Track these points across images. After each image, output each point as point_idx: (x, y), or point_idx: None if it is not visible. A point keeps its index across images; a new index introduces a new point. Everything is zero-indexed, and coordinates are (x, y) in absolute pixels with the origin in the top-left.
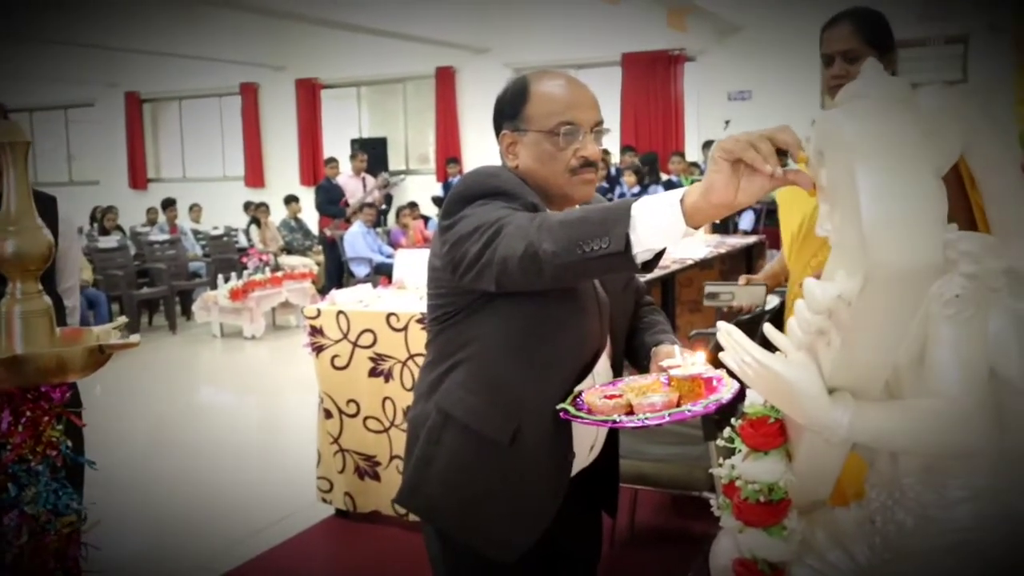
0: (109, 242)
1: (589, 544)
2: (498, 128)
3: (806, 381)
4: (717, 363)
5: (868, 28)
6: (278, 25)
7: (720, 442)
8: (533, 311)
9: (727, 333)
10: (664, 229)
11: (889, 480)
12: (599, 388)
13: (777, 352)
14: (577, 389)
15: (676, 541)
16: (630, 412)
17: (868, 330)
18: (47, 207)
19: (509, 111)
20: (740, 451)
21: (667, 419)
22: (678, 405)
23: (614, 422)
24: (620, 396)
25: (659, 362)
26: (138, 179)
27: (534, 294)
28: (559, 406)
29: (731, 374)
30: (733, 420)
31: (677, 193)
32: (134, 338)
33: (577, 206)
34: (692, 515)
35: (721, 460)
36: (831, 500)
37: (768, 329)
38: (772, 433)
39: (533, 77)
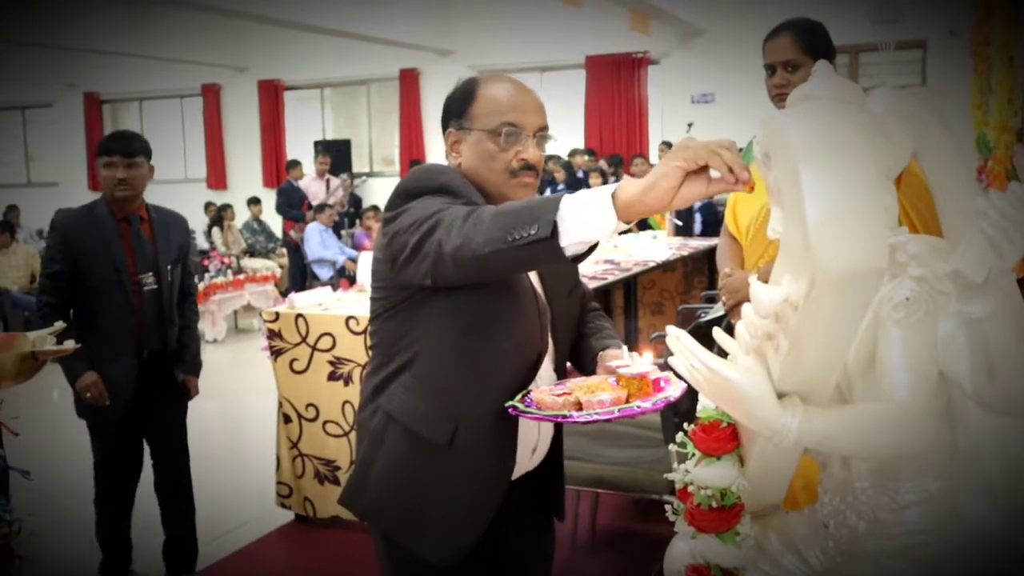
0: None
1: (539, 547)
2: (445, 126)
3: (754, 386)
4: (667, 367)
5: (807, 38)
6: (240, 26)
7: (671, 447)
8: (471, 310)
9: (676, 338)
10: (594, 222)
11: (841, 484)
12: (547, 388)
13: (728, 357)
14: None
15: (638, 545)
16: (579, 409)
17: (815, 333)
18: None
19: (456, 109)
20: (693, 456)
21: (616, 414)
22: (627, 402)
23: (563, 417)
24: (569, 394)
25: (606, 364)
26: (98, 181)
27: (472, 294)
28: (508, 403)
29: (680, 377)
30: (686, 425)
31: (610, 187)
32: (68, 344)
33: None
34: (654, 519)
35: (675, 464)
36: (784, 504)
37: (717, 333)
38: (724, 438)
39: (481, 79)
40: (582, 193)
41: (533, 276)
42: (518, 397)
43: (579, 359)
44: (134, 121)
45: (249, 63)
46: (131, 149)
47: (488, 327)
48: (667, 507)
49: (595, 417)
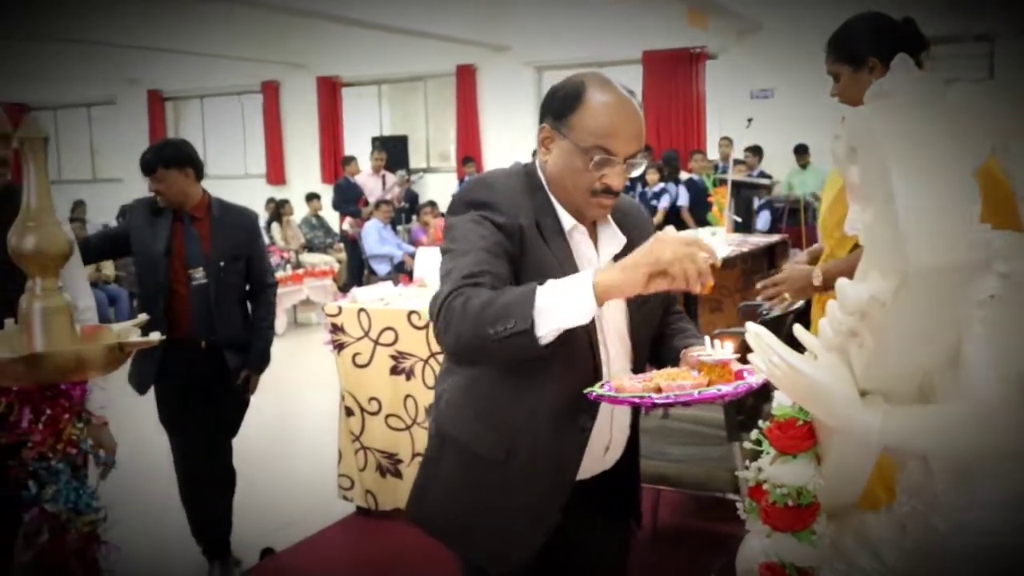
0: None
1: (614, 551)
2: (543, 117)
3: (837, 383)
4: (745, 361)
5: (839, 48)
6: (300, 23)
7: (746, 444)
8: None
9: (755, 335)
10: (573, 309)
11: (920, 483)
12: (628, 376)
13: (805, 353)
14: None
15: (698, 542)
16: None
17: (902, 330)
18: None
19: (557, 109)
20: (767, 454)
21: (696, 396)
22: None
23: (641, 399)
24: (649, 380)
25: (688, 357)
26: None
27: None
28: (587, 389)
29: None
30: (760, 422)
31: (587, 276)
32: (154, 336)
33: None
34: (713, 516)
35: (747, 462)
36: (861, 503)
37: (798, 330)
38: (801, 436)
39: (591, 84)
40: (557, 284)
41: None
42: (597, 385)
43: (662, 361)
44: (195, 118)
45: (308, 60)
46: (148, 168)
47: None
48: (738, 505)
49: (673, 399)
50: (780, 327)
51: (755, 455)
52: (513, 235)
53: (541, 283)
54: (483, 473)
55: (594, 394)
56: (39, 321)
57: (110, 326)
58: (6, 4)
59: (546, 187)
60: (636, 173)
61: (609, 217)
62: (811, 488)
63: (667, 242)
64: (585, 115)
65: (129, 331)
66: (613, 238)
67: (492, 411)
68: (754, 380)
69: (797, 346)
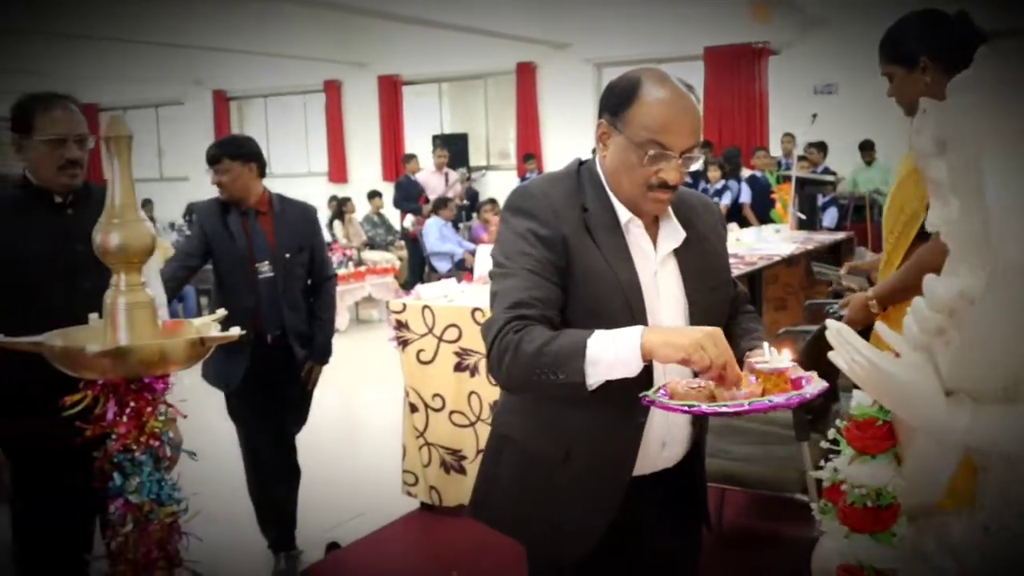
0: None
1: (680, 549)
2: (601, 112)
3: (922, 382)
4: (805, 365)
5: (890, 50)
6: (361, 23)
7: (822, 444)
8: (576, 324)
9: (836, 331)
10: (621, 366)
11: (1005, 486)
12: (685, 380)
13: (886, 351)
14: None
15: (763, 544)
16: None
17: (992, 329)
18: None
19: (613, 105)
20: (845, 453)
21: (747, 407)
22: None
23: (690, 407)
24: (704, 387)
25: (749, 362)
26: None
27: (579, 311)
28: (642, 393)
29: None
30: (838, 421)
31: (635, 335)
32: (234, 331)
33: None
34: (780, 517)
35: (823, 461)
36: (941, 505)
37: (880, 327)
38: (881, 436)
39: (645, 80)
40: (606, 338)
41: (673, 275)
42: (654, 389)
43: None
44: (259, 117)
45: (369, 59)
46: (213, 159)
47: None
48: (812, 505)
49: (723, 409)
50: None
51: (825, 454)
52: (556, 246)
53: (590, 332)
54: (541, 472)
55: (647, 398)
56: (124, 316)
57: (190, 321)
58: (81, 6)
59: (604, 182)
60: (694, 168)
61: (671, 212)
62: (891, 489)
63: (706, 349)
64: (640, 110)
65: (209, 326)
66: (673, 233)
67: (549, 414)
68: (809, 391)
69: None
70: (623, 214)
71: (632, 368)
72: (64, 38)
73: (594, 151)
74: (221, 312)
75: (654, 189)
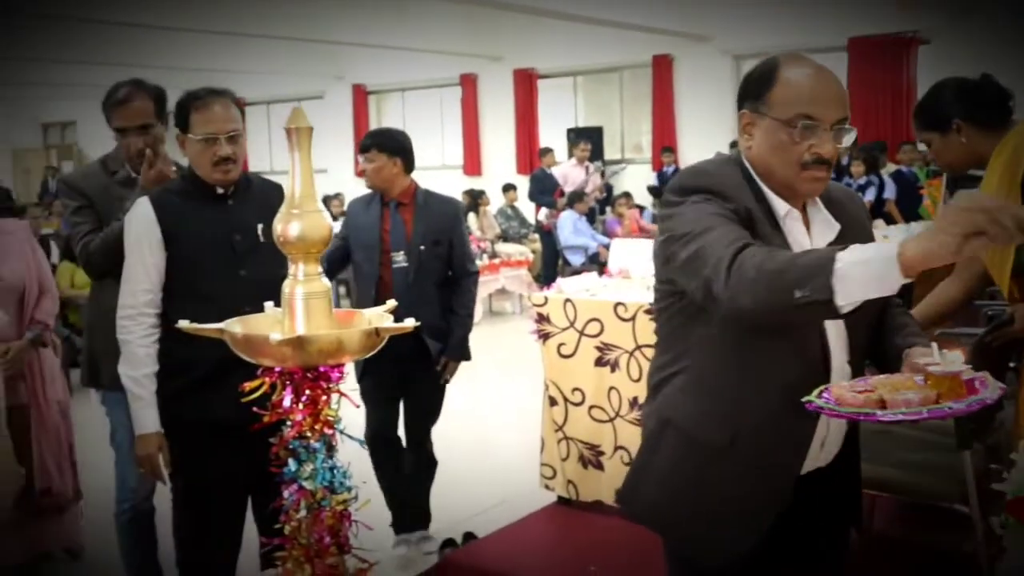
0: (335, 228)
1: (829, 555)
2: (740, 105)
3: None
4: (976, 366)
5: (924, 118)
6: (497, 16)
7: (1013, 455)
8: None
9: None
10: (877, 281)
11: None
12: (847, 384)
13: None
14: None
15: (915, 555)
16: (883, 408)
17: None
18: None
19: (753, 91)
20: None
21: (925, 415)
22: (936, 403)
23: (866, 415)
24: (872, 391)
25: (913, 361)
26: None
27: None
28: (805, 398)
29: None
30: None
31: (891, 247)
32: (409, 322)
33: (780, 252)
34: (930, 526)
35: (1005, 473)
36: None
37: None
38: None
39: (783, 61)
40: (858, 251)
41: None
42: (815, 392)
43: (881, 357)
44: (396, 111)
45: (505, 52)
46: (363, 147)
47: (764, 336)
48: (994, 520)
49: (901, 417)
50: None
51: (987, 464)
52: (743, 218)
53: (839, 248)
54: (703, 462)
55: (813, 404)
56: (302, 305)
57: (361, 311)
58: (229, 5)
59: (754, 175)
60: (847, 142)
61: (820, 204)
62: None
63: (976, 203)
64: (783, 87)
65: (381, 316)
66: (826, 225)
67: (720, 392)
68: (988, 395)
69: None
70: (780, 206)
71: (889, 283)
72: (210, 35)
73: (732, 145)
74: (391, 303)
75: (809, 167)
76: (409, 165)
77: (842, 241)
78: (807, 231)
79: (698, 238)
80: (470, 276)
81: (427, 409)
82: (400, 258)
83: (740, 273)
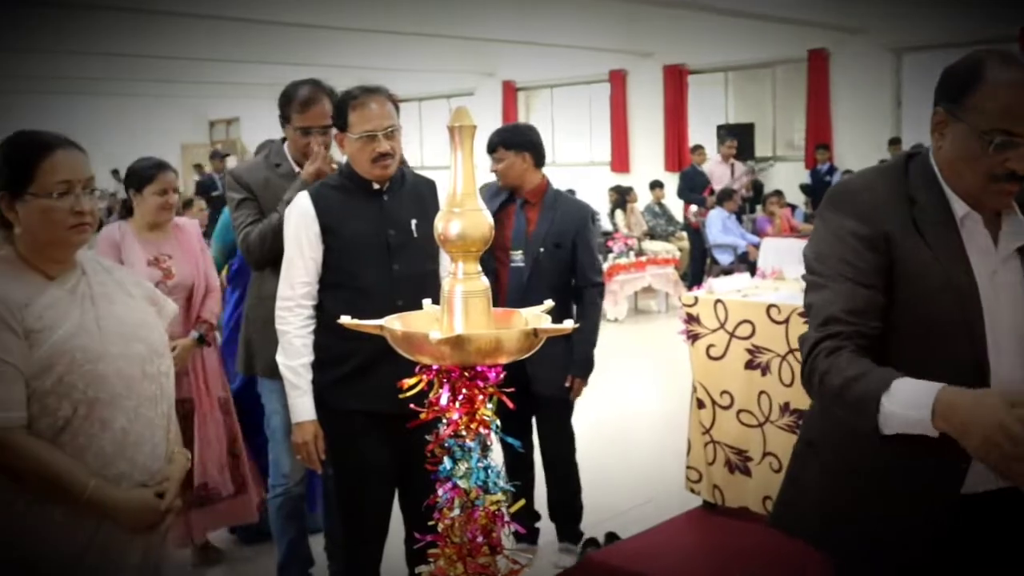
0: None
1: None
2: (937, 100)
3: None
4: None
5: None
6: (647, 11)
7: None
8: (902, 327)
9: None
10: (913, 425)
11: None
12: None
13: None
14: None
15: None
16: None
17: None
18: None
19: (952, 91)
20: None
21: None
22: None
23: None
24: None
25: None
26: None
27: (904, 314)
28: None
29: None
30: None
31: (927, 411)
32: (568, 323)
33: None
34: None
35: None
36: None
37: None
38: None
39: (990, 61)
40: (901, 396)
41: (1016, 276)
42: None
43: None
44: (545, 107)
45: (655, 48)
46: (489, 147)
47: (919, 346)
48: None
49: None
50: None
51: None
52: (878, 245)
53: (893, 378)
54: (860, 479)
55: None
56: (461, 304)
57: (518, 311)
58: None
59: (939, 175)
60: None
61: (1015, 206)
62: None
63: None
64: (984, 95)
65: (539, 317)
66: (1019, 230)
67: None
68: None
69: None
70: (959, 208)
71: (923, 429)
72: (364, 33)
73: (889, 142)
74: (549, 303)
75: (999, 181)
76: (539, 159)
77: None
78: (991, 236)
79: (815, 290)
80: (595, 287)
81: (546, 415)
82: (518, 257)
83: (812, 373)
